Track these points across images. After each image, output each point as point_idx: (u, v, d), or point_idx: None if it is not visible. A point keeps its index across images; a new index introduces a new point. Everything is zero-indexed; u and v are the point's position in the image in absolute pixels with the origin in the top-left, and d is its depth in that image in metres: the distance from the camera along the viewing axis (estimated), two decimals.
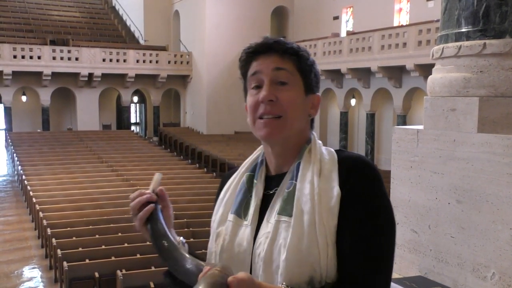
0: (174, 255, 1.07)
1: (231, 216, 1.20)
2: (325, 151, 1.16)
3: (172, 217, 1.20)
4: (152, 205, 1.12)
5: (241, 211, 1.18)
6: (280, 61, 1.16)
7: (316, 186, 1.09)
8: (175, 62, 24.48)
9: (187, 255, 1.07)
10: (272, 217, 1.11)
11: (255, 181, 1.20)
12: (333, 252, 1.04)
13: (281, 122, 1.13)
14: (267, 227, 1.11)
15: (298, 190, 1.10)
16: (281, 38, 1.21)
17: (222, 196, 1.26)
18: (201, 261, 1.06)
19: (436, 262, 2.49)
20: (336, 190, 1.07)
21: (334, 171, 1.10)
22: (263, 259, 1.08)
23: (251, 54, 1.20)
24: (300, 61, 1.16)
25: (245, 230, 1.15)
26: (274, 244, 1.07)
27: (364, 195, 1.06)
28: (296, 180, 1.12)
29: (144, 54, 23.75)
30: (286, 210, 1.09)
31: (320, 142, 1.20)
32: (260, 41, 1.21)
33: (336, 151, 1.17)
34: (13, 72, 21.09)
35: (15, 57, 21.11)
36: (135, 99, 27.28)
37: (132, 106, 27.82)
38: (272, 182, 1.18)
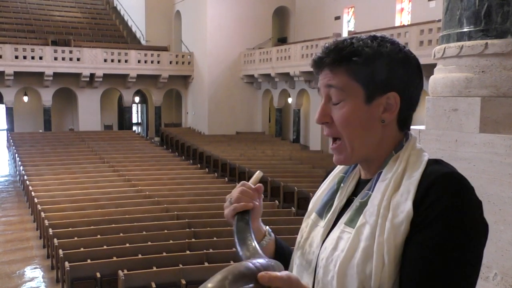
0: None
1: (313, 215, 1.16)
2: (415, 160, 1.02)
3: (261, 208, 1.18)
4: (251, 204, 1.13)
5: (323, 211, 1.14)
6: (331, 76, 1.04)
7: (385, 198, 0.98)
8: (177, 63, 24.50)
9: (258, 255, 0.97)
10: (341, 225, 1.05)
11: (342, 184, 1.15)
12: (391, 271, 0.94)
13: (341, 145, 1.05)
14: (335, 234, 1.05)
15: (370, 201, 1.01)
16: (342, 41, 1.06)
17: (317, 192, 1.23)
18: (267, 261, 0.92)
19: None
20: (408, 205, 0.94)
21: (413, 184, 0.97)
22: (323, 266, 1.04)
23: (315, 70, 1.10)
24: (355, 67, 1.02)
25: (319, 232, 1.11)
26: (333, 254, 1.02)
27: (441, 217, 0.91)
28: (372, 191, 1.03)
29: (145, 55, 23.78)
30: (353, 221, 1.02)
31: (418, 148, 1.05)
32: (323, 49, 1.08)
33: (433, 161, 1.01)
34: (14, 72, 21.13)
35: (16, 57, 21.16)
36: (137, 99, 27.32)
37: (134, 107, 27.86)
38: (361, 187, 1.10)
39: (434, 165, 1.00)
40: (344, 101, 1.03)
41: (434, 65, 2.74)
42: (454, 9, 2.52)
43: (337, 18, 21.57)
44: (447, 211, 0.91)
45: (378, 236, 0.95)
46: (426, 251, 0.91)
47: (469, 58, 2.45)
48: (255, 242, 1.00)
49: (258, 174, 1.21)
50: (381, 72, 1.02)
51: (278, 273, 0.82)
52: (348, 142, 1.04)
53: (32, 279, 8.23)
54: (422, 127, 2.68)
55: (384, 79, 1.02)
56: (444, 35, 2.62)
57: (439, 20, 12.37)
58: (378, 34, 1.10)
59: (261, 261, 0.85)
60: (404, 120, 1.06)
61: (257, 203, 1.14)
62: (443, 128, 2.51)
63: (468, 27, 2.45)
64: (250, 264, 0.83)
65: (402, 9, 18.89)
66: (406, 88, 1.04)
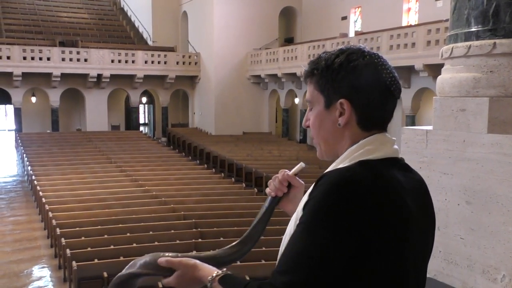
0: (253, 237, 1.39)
1: None
2: (342, 159, 1.17)
3: (301, 194, 1.37)
4: (273, 193, 1.38)
5: None
6: (308, 88, 1.24)
7: (307, 194, 1.15)
8: (184, 63, 24.55)
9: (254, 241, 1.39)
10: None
11: None
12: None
13: (316, 144, 1.25)
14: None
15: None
16: (316, 58, 1.22)
17: None
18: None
19: (446, 263, 2.47)
20: (304, 198, 1.14)
21: (310, 188, 1.13)
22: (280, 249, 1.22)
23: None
24: (316, 79, 1.19)
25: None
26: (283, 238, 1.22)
27: (311, 205, 1.07)
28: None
29: (152, 55, 23.85)
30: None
31: (367, 149, 1.14)
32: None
33: (357, 163, 1.12)
34: (23, 73, 21.26)
35: (24, 58, 21.29)
36: (144, 99, 27.40)
37: (141, 107, 27.95)
38: None
39: (345, 167, 1.12)
40: (313, 108, 1.22)
41: (442, 65, 2.73)
42: (461, 8, 2.50)
43: (344, 18, 21.51)
44: (320, 202, 1.07)
45: (291, 224, 1.18)
46: (301, 219, 1.09)
47: (477, 58, 2.44)
48: (259, 228, 1.36)
49: (300, 165, 1.37)
50: (331, 81, 1.16)
51: (172, 258, 1.23)
52: (316, 141, 1.24)
53: (39, 278, 8.28)
54: (430, 128, 2.67)
55: (334, 87, 1.16)
56: (451, 34, 2.61)
57: (446, 20, 12.31)
58: (350, 46, 1.21)
59: (172, 254, 1.25)
60: (367, 121, 1.16)
61: (284, 190, 1.37)
62: (451, 128, 2.50)
63: (476, 27, 2.43)
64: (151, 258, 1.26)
65: (409, 9, 18.81)
66: (356, 94, 1.14)
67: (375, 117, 1.17)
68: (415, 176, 1.21)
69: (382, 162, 1.13)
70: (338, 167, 1.14)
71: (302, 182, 1.39)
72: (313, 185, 1.12)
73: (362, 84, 1.14)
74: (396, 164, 1.17)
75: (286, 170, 1.37)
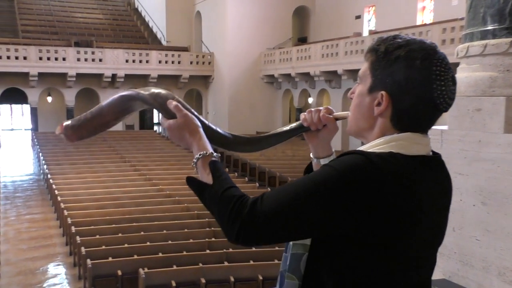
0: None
1: None
2: (368, 147, 1.17)
3: (331, 137, 1.39)
4: (316, 127, 1.35)
5: None
6: (364, 62, 1.22)
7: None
8: (197, 63, 24.64)
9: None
10: None
11: None
12: None
13: (348, 119, 1.25)
14: None
15: None
16: (383, 38, 1.19)
17: None
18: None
19: (461, 265, 2.44)
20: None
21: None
22: None
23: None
24: (372, 60, 1.17)
25: None
26: None
27: (329, 166, 1.09)
28: None
29: (166, 55, 23.97)
30: None
31: (391, 144, 1.12)
32: None
33: (388, 153, 1.10)
34: (39, 73, 21.53)
35: (40, 58, 21.55)
36: None
37: None
38: None
39: (385, 156, 1.08)
40: (359, 84, 1.20)
41: (457, 64, 2.70)
42: (477, 6, 2.47)
43: (358, 17, 21.39)
44: (333, 160, 1.12)
45: None
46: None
47: (493, 56, 2.41)
48: (272, 140, 1.40)
49: (346, 113, 1.31)
50: (383, 70, 1.14)
51: (181, 107, 1.21)
52: (350, 118, 1.23)
53: (55, 276, 8.38)
54: (445, 127, 2.64)
55: (382, 76, 1.14)
56: (467, 33, 2.58)
57: (462, 18, 12.16)
58: (421, 39, 1.18)
59: (185, 104, 1.24)
60: (400, 121, 1.14)
61: (319, 127, 1.34)
62: (466, 128, 2.47)
63: (492, 25, 2.40)
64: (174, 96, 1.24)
65: (424, 8, 18.63)
66: (399, 92, 1.12)
67: (408, 121, 1.14)
68: (442, 176, 1.20)
69: (413, 159, 1.11)
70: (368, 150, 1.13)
71: (338, 127, 1.36)
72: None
73: (408, 87, 1.11)
74: (427, 162, 1.14)
75: (331, 108, 1.35)
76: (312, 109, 1.35)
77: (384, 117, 1.15)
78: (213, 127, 1.30)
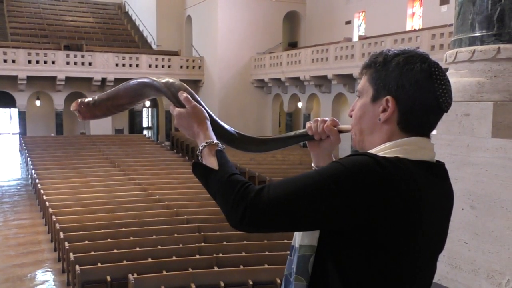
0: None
1: None
2: (376, 151, 1.18)
3: (332, 148, 1.43)
4: (319, 137, 1.40)
5: None
6: (362, 79, 1.25)
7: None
8: (187, 67, 24.62)
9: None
10: None
11: None
12: None
13: (352, 134, 1.28)
14: None
15: None
16: (377, 53, 1.23)
17: None
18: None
19: (450, 268, 2.46)
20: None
21: None
22: None
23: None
24: (371, 72, 1.21)
25: None
26: None
27: (337, 163, 1.11)
28: None
29: (156, 59, 23.93)
30: None
31: (397, 149, 1.14)
32: None
33: (394, 157, 1.12)
34: (27, 77, 21.37)
35: (29, 62, 21.40)
36: (148, 103, 27.45)
37: (145, 111, 28.01)
38: None
39: (392, 160, 1.11)
40: (360, 98, 1.24)
41: (446, 70, 2.72)
42: (466, 13, 2.50)
43: (348, 22, 21.53)
44: (342, 158, 1.13)
45: None
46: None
47: (481, 62, 2.44)
48: (273, 144, 1.44)
49: (349, 127, 1.34)
50: (384, 78, 1.17)
51: (191, 99, 1.28)
52: (353, 130, 1.26)
53: (43, 282, 8.29)
54: (434, 132, 2.66)
55: (385, 83, 1.17)
56: (456, 39, 2.61)
57: (450, 25, 12.29)
58: (415, 49, 1.22)
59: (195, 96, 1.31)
60: (407, 123, 1.17)
61: (323, 138, 1.39)
62: (455, 133, 2.49)
63: (480, 32, 2.43)
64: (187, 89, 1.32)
65: (413, 14, 18.81)
66: (403, 95, 1.16)
67: (416, 123, 1.18)
68: (446, 185, 1.23)
69: (419, 164, 1.14)
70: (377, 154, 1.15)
71: (340, 140, 1.41)
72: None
73: (412, 88, 1.15)
74: (433, 169, 1.18)
75: (337, 120, 1.39)
76: (319, 119, 1.40)
77: (390, 122, 1.18)
78: (220, 122, 1.36)
